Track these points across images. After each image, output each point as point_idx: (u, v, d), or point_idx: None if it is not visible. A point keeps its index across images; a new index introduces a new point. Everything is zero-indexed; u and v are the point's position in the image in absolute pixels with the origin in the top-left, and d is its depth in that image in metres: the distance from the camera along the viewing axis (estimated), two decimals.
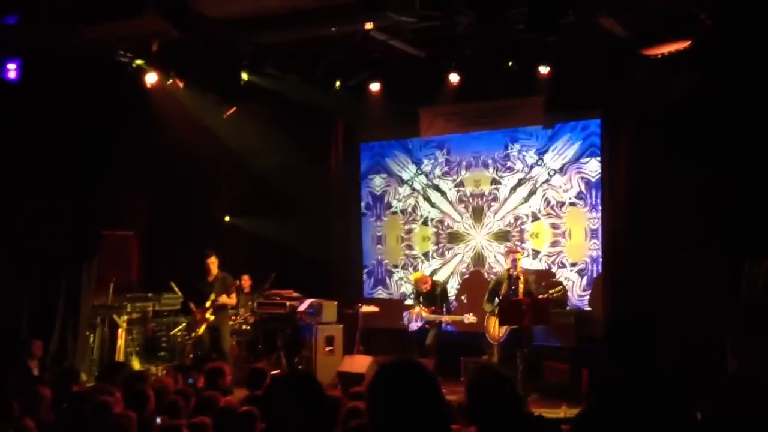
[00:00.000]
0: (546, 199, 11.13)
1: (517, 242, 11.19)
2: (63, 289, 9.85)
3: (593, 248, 10.76)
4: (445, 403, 2.50)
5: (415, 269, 11.90)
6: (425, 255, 12.13)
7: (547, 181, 11.13)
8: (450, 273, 11.85)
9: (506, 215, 11.46)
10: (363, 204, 12.74)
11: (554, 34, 8.43)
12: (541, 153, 11.20)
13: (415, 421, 2.33)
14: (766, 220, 8.25)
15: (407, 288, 12.12)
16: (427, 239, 12.12)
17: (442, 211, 12.00)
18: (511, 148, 11.44)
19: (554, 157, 11.09)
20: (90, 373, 9.68)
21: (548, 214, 11.10)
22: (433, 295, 10.44)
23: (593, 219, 10.75)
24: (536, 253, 11.14)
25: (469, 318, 10.03)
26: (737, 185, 8.59)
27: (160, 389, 5.81)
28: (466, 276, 11.72)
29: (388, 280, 12.45)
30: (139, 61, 10.05)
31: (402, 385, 2.38)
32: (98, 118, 10.07)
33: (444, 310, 10.43)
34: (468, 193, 11.77)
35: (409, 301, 11.67)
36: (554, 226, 11.08)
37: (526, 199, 11.28)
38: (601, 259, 10.64)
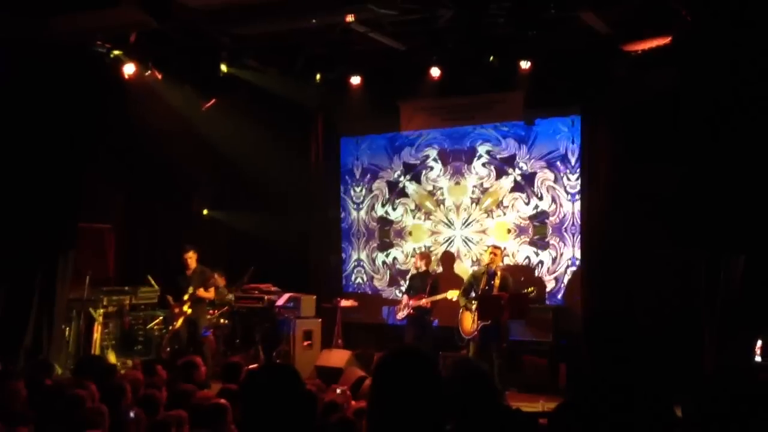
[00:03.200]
0: (520, 198, 11.20)
1: (493, 238, 11.22)
2: (38, 282, 9.74)
3: (565, 244, 10.84)
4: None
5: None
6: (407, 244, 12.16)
7: (522, 178, 11.21)
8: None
9: (482, 214, 11.50)
10: (343, 197, 12.69)
11: (535, 29, 8.41)
12: (515, 153, 11.28)
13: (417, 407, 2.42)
14: (743, 216, 8.28)
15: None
16: (412, 233, 12.11)
17: (424, 210, 12.00)
18: (489, 149, 11.49)
19: (528, 157, 11.16)
20: (65, 367, 9.57)
21: (520, 215, 11.19)
22: (423, 281, 10.35)
23: (565, 215, 10.83)
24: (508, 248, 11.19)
25: (453, 292, 9.98)
26: (715, 181, 8.62)
27: (133, 383, 5.75)
28: (439, 268, 11.71)
29: (372, 264, 12.44)
30: (116, 52, 9.94)
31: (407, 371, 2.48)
32: (75, 108, 9.94)
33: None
34: (446, 193, 11.80)
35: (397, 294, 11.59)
36: (525, 220, 11.16)
37: (500, 198, 11.36)
38: (576, 255, 10.70)
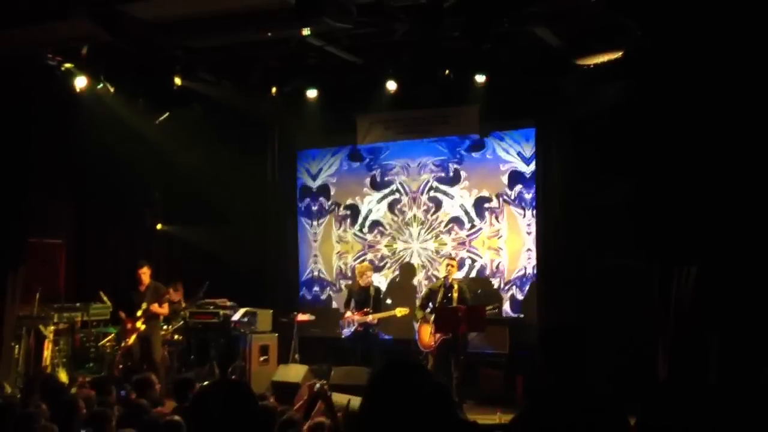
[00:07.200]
0: (469, 216, 11.32)
1: (451, 251, 11.25)
2: None
3: (518, 256, 10.93)
4: None
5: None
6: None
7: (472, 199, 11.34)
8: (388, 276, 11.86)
9: (438, 228, 11.55)
10: (301, 212, 12.62)
11: (489, 43, 8.47)
12: (465, 173, 11.40)
13: None
14: (694, 227, 8.41)
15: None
16: (369, 246, 12.09)
17: (385, 224, 12.00)
18: (441, 166, 11.58)
19: (478, 178, 11.29)
20: (15, 386, 9.35)
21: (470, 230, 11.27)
22: (366, 296, 10.31)
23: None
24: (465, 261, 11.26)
25: (402, 310, 10.00)
26: (665, 193, 8.75)
27: (86, 400, 5.63)
28: (396, 276, 11.70)
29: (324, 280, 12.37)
30: (68, 65, 9.78)
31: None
32: (25, 122, 9.78)
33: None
34: (405, 209, 11.82)
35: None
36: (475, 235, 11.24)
37: (455, 215, 11.44)
38: (532, 268, 10.79)
